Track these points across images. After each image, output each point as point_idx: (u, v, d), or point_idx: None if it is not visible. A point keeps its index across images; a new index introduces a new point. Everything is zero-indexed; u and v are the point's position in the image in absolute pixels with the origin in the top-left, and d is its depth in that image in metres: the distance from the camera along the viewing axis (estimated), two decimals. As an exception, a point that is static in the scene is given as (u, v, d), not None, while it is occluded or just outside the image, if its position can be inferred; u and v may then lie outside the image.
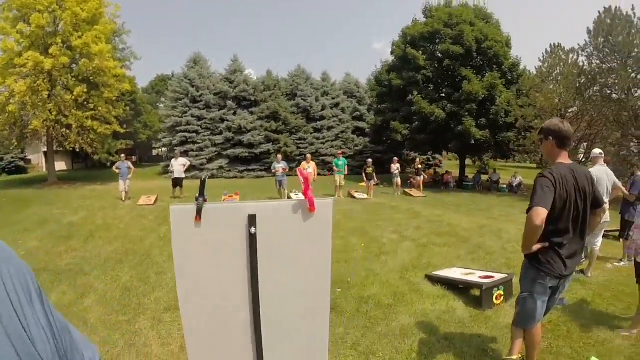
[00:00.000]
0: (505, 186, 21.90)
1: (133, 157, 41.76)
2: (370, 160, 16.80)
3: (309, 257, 1.39)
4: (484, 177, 24.50)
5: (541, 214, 2.45)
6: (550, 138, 2.71)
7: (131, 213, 11.92)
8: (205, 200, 1.33)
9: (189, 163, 15.86)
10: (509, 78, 22.81)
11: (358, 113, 31.92)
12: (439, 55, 22.69)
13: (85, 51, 20.34)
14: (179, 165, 15.14)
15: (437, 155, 30.72)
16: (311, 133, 30.20)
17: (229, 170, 28.28)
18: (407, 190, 17.83)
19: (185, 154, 27.27)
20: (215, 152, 28.44)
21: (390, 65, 25.02)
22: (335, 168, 15.89)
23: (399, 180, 17.74)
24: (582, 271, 5.79)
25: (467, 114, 20.72)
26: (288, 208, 1.38)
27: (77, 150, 23.13)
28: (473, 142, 21.14)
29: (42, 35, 19.75)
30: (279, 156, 15.19)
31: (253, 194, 16.93)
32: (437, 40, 23.02)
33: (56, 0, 19.76)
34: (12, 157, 30.81)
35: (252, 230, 1.31)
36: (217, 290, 1.36)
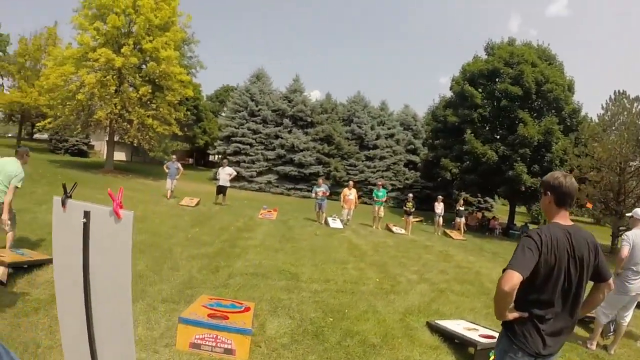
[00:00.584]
0: None
1: (190, 160, 43.73)
2: (411, 195, 16.53)
3: (114, 248, 1.97)
4: (533, 227, 23.05)
5: (513, 279, 2.05)
6: (549, 193, 2.33)
7: (170, 211, 12.49)
8: (69, 197, 2.05)
9: (235, 173, 16.29)
10: (568, 124, 21.73)
11: (412, 146, 31.56)
12: (497, 94, 22.00)
13: (154, 55, 21.91)
14: (225, 174, 15.60)
15: (489, 199, 29.54)
16: (363, 160, 30.19)
17: (277, 186, 28.77)
18: (448, 231, 17.25)
19: (236, 164, 28.37)
20: (266, 166, 29.11)
21: (447, 101, 24.59)
22: (374, 198, 15.64)
23: (440, 219, 17.21)
24: (605, 347, 5.25)
25: (519, 158, 19.82)
26: (107, 212, 1.95)
27: (135, 144, 24.50)
28: (523, 188, 20.08)
29: (116, 35, 21.50)
30: (320, 180, 15.28)
31: (291, 213, 16.98)
32: (497, 79, 22.35)
33: (132, 5, 21.32)
34: (77, 141, 33.45)
35: (84, 220, 1.95)
36: (70, 261, 2.00)
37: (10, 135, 39.49)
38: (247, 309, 4.48)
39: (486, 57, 23.83)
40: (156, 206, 13.24)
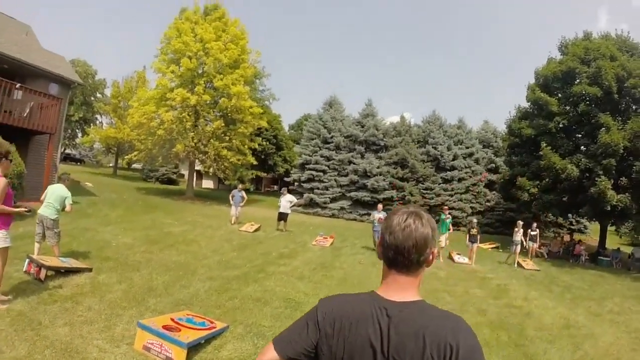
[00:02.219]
0: None
1: (274, 187, 45.64)
2: (475, 220, 15.02)
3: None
4: (626, 252, 19.87)
5: (265, 354, 1.32)
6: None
7: (224, 235, 13.04)
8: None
9: (295, 200, 16.68)
10: None
11: (493, 165, 29.10)
12: (573, 98, 19.22)
13: (225, 91, 23.58)
14: (285, 201, 15.93)
15: (582, 219, 25.90)
16: (439, 183, 28.53)
17: (350, 212, 28.39)
18: (521, 260, 14.97)
19: (310, 191, 28.78)
20: (339, 192, 28.92)
21: (522, 112, 22.13)
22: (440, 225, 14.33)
23: (517, 248, 14.96)
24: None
25: (602, 172, 16.88)
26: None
27: (210, 174, 26.24)
28: (609, 208, 16.96)
29: (190, 76, 23.56)
30: (380, 205, 14.75)
31: (353, 239, 16.56)
32: (573, 81, 19.56)
33: (202, 48, 23.29)
34: (166, 170, 36.62)
35: None
36: None
37: (110, 165, 44.46)
38: (210, 328, 4.90)
39: (560, 57, 21.02)
40: (215, 230, 13.93)
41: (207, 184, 43.46)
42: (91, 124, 43.96)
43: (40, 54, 17.22)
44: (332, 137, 29.71)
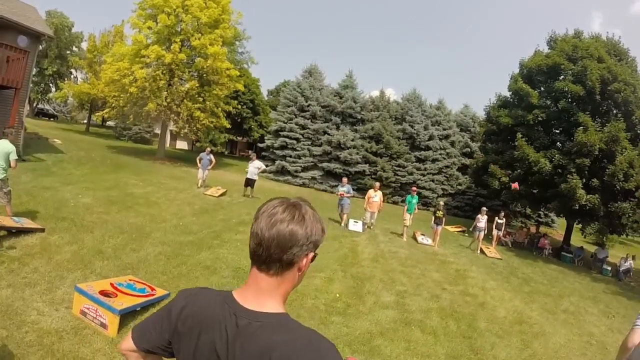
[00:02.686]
0: (609, 269, 17.56)
1: (250, 151, 45.18)
2: (442, 202, 14.87)
3: None
4: (589, 250, 20.30)
5: (125, 341, 1.24)
6: None
7: (189, 199, 12.82)
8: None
9: (263, 167, 16.32)
10: (638, 132, 18.33)
11: (469, 149, 29.13)
12: (555, 94, 19.12)
13: (202, 51, 22.70)
14: (253, 167, 15.62)
15: (550, 214, 26.32)
16: (412, 162, 28.37)
17: (321, 183, 28.12)
18: (484, 247, 15.05)
19: (282, 158, 28.36)
20: (312, 162, 28.51)
21: (502, 101, 21.97)
22: (406, 205, 14.25)
23: (481, 234, 14.93)
24: None
25: (575, 170, 16.91)
26: None
27: (182, 135, 25.46)
28: (577, 206, 17.08)
29: (167, 33, 22.58)
30: (345, 179, 14.46)
31: (319, 211, 16.11)
32: (557, 77, 19.42)
33: (181, 4, 22.32)
34: (140, 129, 35.51)
35: None
36: None
37: (84, 121, 43.31)
38: (149, 295, 4.80)
39: (547, 51, 20.76)
40: (179, 193, 13.59)
41: (182, 145, 42.52)
42: (65, 79, 42.12)
43: (10, 4, 15.95)
44: (308, 106, 29.05)
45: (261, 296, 1.07)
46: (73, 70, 43.82)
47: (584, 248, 19.93)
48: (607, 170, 16.65)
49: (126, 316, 4.26)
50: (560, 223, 26.71)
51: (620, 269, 17.11)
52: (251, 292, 1.08)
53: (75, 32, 42.80)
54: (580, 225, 21.07)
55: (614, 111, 18.83)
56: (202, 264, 6.75)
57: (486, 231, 15.38)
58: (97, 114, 27.08)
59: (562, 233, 22.59)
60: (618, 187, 16.66)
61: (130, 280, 5.09)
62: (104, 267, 5.68)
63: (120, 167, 17.43)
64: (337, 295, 6.55)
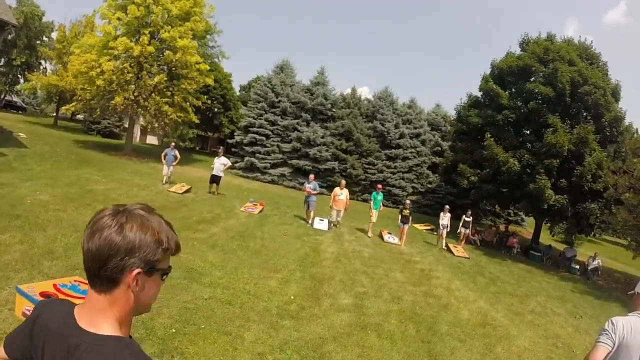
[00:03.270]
0: (578, 267, 17.81)
1: (221, 147, 44.38)
2: (408, 202, 14.73)
3: None
4: (558, 249, 20.45)
5: None
6: None
7: (151, 196, 12.49)
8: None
9: (229, 164, 15.97)
10: (607, 134, 18.55)
11: (439, 148, 29.26)
12: (525, 94, 19.27)
13: (171, 44, 22.23)
14: (219, 164, 15.32)
15: (520, 212, 26.59)
16: (383, 160, 28.28)
17: (290, 180, 27.74)
18: (452, 245, 15.11)
19: (252, 155, 27.88)
20: (281, 159, 28.13)
21: (473, 100, 22.09)
22: (372, 202, 14.14)
23: (444, 232, 15.26)
24: None
25: (543, 170, 17.03)
26: None
27: (148, 130, 24.85)
28: (545, 206, 17.24)
29: (136, 25, 21.97)
30: (311, 176, 14.12)
31: (286, 208, 16.03)
32: (528, 78, 19.59)
33: None
34: (109, 123, 34.56)
35: None
36: None
37: (53, 114, 41.85)
38: None
39: (519, 53, 20.96)
40: (142, 190, 13.19)
41: (152, 140, 41.33)
42: (34, 70, 40.41)
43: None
44: (279, 102, 28.61)
45: (95, 315, 0.99)
46: (42, 61, 42.17)
47: (552, 247, 20.12)
48: (575, 171, 16.91)
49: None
50: (530, 222, 27.08)
51: (589, 268, 17.32)
52: (86, 309, 1.01)
53: (45, 22, 41.16)
54: (549, 225, 21.33)
55: (584, 113, 19.11)
56: None
57: (449, 229, 15.52)
58: (64, 107, 25.93)
59: (532, 232, 22.82)
60: (586, 187, 16.90)
61: (75, 281, 4.82)
62: (52, 267, 5.44)
63: (85, 162, 16.81)
64: (292, 297, 6.24)
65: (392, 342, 5.37)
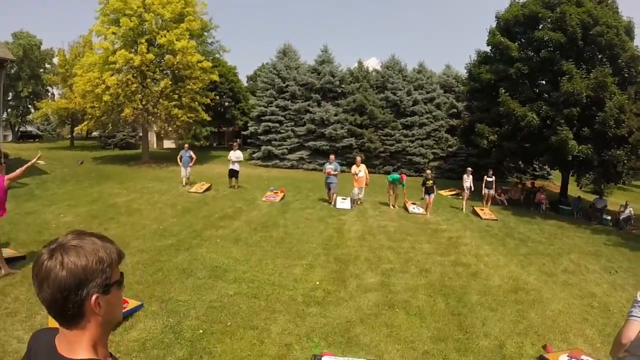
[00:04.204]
0: (609, 218, 17.14)
1: (237, 140, 44.65)
2: (429, 171, 14.46)
3: None
4: (588, 201, 19.75)
5: None
6: None
7: (172, 200, 12.71)
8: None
9: (242, 157, 16.02)
10: (626, 75, 17.48)
11: (455, 110, 28.39)
12: (536, 44, 18.37)
13: (170, 48, 22.39)
14: (234, 158, 15.42)
15: (545, 166, 25.70)
16: (399, 129, 27.75)
17: (310, 162, 27.64)
18: (478, 209, 14.76)
19: (267, 143, 27.96)
20: (297, 143, 28.01)
21: (482, 56, 21.18)
22: (389, 182, 14.03)
23: (467, 193, 15.09)
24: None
25: (563, 121, 16.31)
26: None
27: (162, 135, 25.20)
28: (570, 157, 16.57)
29: (132, 35, 22.18)
30: (332, 156, 13.99)
31: (308, 192, 16.10)
32: (536, 26, 18.65)
33: (142, 4, 21.88)
34: (124, 135, 35.20)
35: None
36: None
37: (69, 137, 42.98)
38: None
39: (523, 0, 19.73)
40: (163, 195, 13.38)
41: (169, 144, 41.65)
42: (42, 97, 41.30)
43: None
44: (287, 87, 28.32)
45: (71, 345, 1.04)
46: (49, 88, 43.24)
47: (581, 199, 19.39)
48: (597, 118, 16.07)
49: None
50: (556, 175, 26.23)
51: (621, 218, 16.67)
52: (62, 341, 1.06)
53: (45, 49, 42.21)
54: (575, 177, 20.63)
55: (599, 56, 18.11)
56: (179, 267, 6.55)
57: (472, 189, 15.30)
58: (77, 127, 26.60)
59: (559, 185, 22.07)
60: (610, 134, 16.06)
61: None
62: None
63: (105, 177, 17.18)
64: (317, 283, 6.26)
65: (421, 318, 5.32)
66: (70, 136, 39.70)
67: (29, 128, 49.34)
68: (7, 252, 6.49)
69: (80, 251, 1.00)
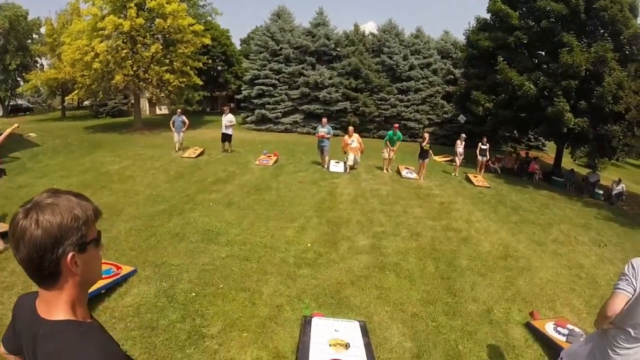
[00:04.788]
0: (601, 192, 17.28)
1: (231, 105, 44.20)
2: (427, 135, 14.36)
3: None
4: (581, 174, 19.87)
5: None
6: None
7: (165, 166, 12.61)
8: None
9: (234, 121, 15.73)
10: (627, 52, 17.21)
11: (452, 77, 28.06)
12: (537, 13, 17.99)
13: (160, 11, 21.87)
14: (226, 122, 15.23)
15: (541, 138, 25.68)
16: (395, 94, 27.43)
17: (304, 126, 27.49)
18: (472, 175, 14.82)
19: (261, 107, 27.76)
20: (291, 106, 27.76)
21: (482, 23, 20.81)
22: (387, 142, 13.85)
23: (460, 159, 15.16)
24: None
25: (561, 93, 16.14)
26: None
27: (154, 101, 24.93)
28: (565, 130, 16.53)
29: (120, 0, 21.55)
30: (324, 119, 13.88)
31: (301, 155, 16.07)
32: None
33: None
34: (116, 103, 34.60)
35: None
36: None
37: (60, 107, 42.24)
38: (114, 275, 4.73)
39: None
40: (156, 162, 13.25)
41: (161, 110, 41.28)
42: (31, 69, 40.11)
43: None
44: (280, 50, 27.81)
45: (48, 305, 1.04)
46: (38, 59, 42.01)
47: (574, 171, 19.50)
48: (595, 92, 15.95)
49: (92, 300, 4.06)
50: (551, 147, 26.22)
51: (613, 193, 16.82)
52: (42, 300, 1.07)
53: (32, 19, 40.49)
54: (570, 149, 20.66)
55: (601, 31, 17.83)
56: (172, 232, 6.56)
57: (463, 156, 15.32)
58: (68, 97, 26.30)
59: (553, 156, 22.12)
60: (607, 109, 15.97)
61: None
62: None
63: (97, 146, 16.92)
64: (309, 245, 6.31)
65: (410, 281, 5.39)
66: (61, 107, 39.13)
67: (19, 101, 48.08)
68: (2, 226, 6.44)
69: (55, 209, 0.98)
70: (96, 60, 20.87)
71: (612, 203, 16.32)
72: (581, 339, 3.87)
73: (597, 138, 17.16)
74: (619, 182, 17.22)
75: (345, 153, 13.44)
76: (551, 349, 4.14)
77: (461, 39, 27.02)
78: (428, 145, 13.59)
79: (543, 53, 18.96)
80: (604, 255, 8.14)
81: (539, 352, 4.14)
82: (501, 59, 17.77)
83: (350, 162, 13.41)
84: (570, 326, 4.47)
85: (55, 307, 1.03)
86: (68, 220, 0.98)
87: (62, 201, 1.00)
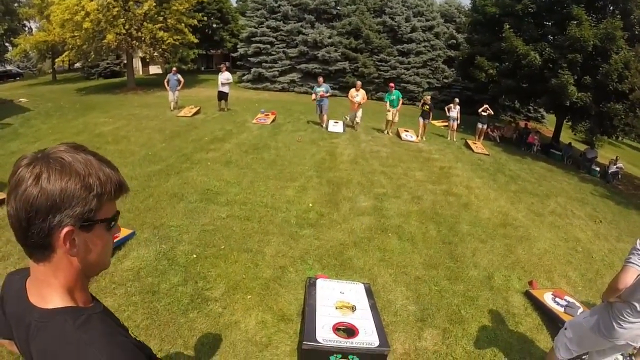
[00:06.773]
0: (598, 169, 17.16)
1: (227, 63, 43.12)
2: (428, 97, 14.20)
3: None
4: (578, 149, 19.68)
5: None
6: None
7: (160, 125, 12.34)
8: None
9: (231, 79, 15.49)
10: (636, 33, 16.85)
11: (454, 41, 27.44)
12: None
13: None
14: (223, 79, 14.97)
15: (540, 109, 25.46)
16: (395, 56, 26.86)
17: (301, 85, 27.04)
18: (471, 142, 14.67)
19: (258, 65, 27.21)
20: (289, 65, 27.17)
21: None
22: (387, 103, 13.61)
23: (454, 124, 14.99)
24: None
25: (566, 65, 15.84)
26: None
27: (147, 60, 24.46)
28: (568, 103, 16.31)
29: None
30: (320, 79, 13.59)
31: (299, 115, 15.81)
32: None
33: None
34: (108, 63, 33.73)
35: None
36: None
37: (50, 71, 41.04)
38: (113, 238, 4.43)
39: None
40: (150, 121, 12.97)
41: (155, 69, 40.24)
42: (20, 33, 38.39)
43: None
44: (279, 6, 26.95)
45: (40, 288, 0.86)
46: (26, 22, 40.50)
47: (572, 146, 19.37)
48: (600, 69, 15.68)
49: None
50: (550, 119, 26.10)
51: (609, 171, 16.75)
52: (32, 283, 0.89)
53: None
54: (570, 123, 20.52)
55: (611, 8, 17.34)
56: (169, 192, 6.42)
57: (459, 121, 15.19)
58: (58, 59, 25.48)
59: (552, 129, 21.96)
60: (611, 87, 15.75)
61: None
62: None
63: (90, 108, 16.45)
64: (310, 205, 6.23)
65: (413, 244, 5.36)
66: (51, 70, 38.03)
67: (8, 67, 46.46)
68: None
69: (65, 169, 0.78)
70: (87, 19, 20.12)
71: (608, 181, 16.30)
72: (579, 312, 3.95)
73: (599, 115, 17.00)
74: (616, 160, 17.22)
75: (350, 110, 13.47)
76: (549, 318, 4.18)
77: (466, 3, 26.43)
78: (428, 107, 13.56)
79: (550, 24, 18.45)
80: (599, 231, 8.14)
81: (537, 321, 4.16)
82: (507, 26, 17.31)
83: (352, 120, 13.44)
84: (567, 297, 4.50)
85: (48, 291, 0.85)
86: (76, 187, 0.78)
87: (77, 162, 0.80)
